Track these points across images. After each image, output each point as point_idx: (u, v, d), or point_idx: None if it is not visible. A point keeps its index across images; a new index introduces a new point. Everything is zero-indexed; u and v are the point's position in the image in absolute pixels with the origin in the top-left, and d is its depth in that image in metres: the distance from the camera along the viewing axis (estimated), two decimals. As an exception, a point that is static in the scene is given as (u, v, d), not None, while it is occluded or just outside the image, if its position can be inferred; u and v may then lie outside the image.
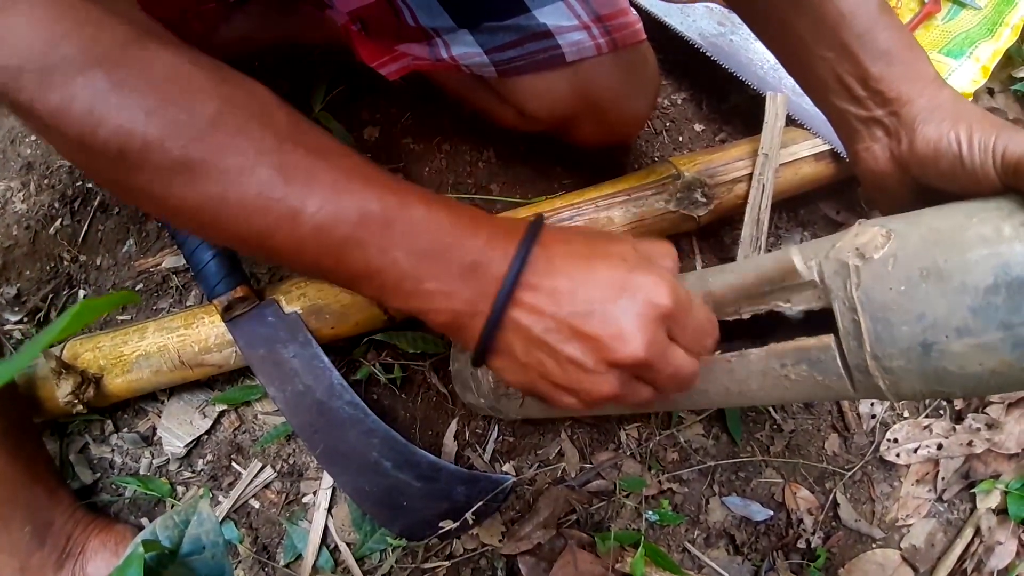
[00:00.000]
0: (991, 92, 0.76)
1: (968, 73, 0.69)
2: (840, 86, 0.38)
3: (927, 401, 0.65)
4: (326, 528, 0.59)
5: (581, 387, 0.30)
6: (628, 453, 0.61)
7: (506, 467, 0.61)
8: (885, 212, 0.39)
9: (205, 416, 0.62)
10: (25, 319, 0.67)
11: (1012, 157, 0.30)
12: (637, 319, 0.29)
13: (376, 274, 0.30)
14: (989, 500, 0.62)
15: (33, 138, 0.74)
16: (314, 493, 0.60)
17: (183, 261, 0.68)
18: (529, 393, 0.32)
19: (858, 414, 0.64)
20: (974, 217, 0.29)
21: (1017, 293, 0.27)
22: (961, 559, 0.61)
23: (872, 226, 0.32)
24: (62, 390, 0.56)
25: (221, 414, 0.63)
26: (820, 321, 0.32)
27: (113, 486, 0.61)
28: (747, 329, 0.36)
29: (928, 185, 0.35)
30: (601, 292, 0.29)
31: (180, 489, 0.61)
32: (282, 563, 0.58)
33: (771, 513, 0.60)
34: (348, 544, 0.58)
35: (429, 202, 0.31)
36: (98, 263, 0.69)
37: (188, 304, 0.66)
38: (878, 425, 0.63)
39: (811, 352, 0.33)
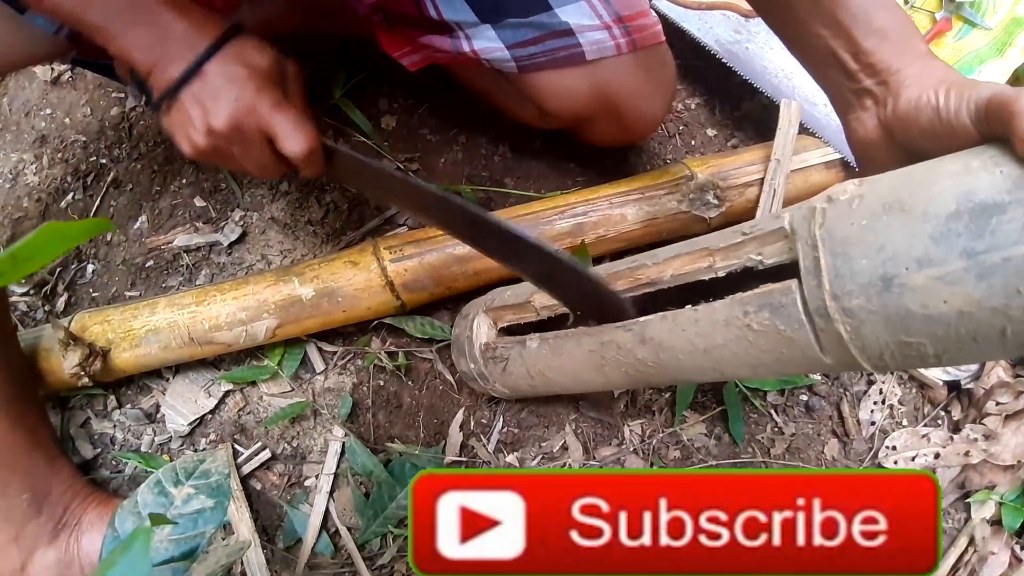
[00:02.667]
0: (997, 112, 0.78)
1: (976, 92, 0.71)
2: (834, 60, 0.39)
3: (925, 409, 0.66)
4: (327, 512, 0.59)
5: (190, 137, 0.44)
6: (631, 449, 0.61)
7: (510, 458, 0.61)
8: None
9: (210, 395, 0.62)
10: (32, 291, 0.67)
11: (982, 100, 0.30)
12: (230, 107, 0.42)
13: (82, 23, 0.41)
14: (984, 511, 0.63)
15: (48, 111, 0.74)
16: (316, 476, 0.60)
17: (195, 239, 0.68)
18: (169, 133, 0.45)
19: (858, 420, 0.64)
20: (944, 160, 0.29)
21: (979, 218, 0.25)
22: (955, 568, 0.61)
23: (848, 182, 0.31)
24: (68, 361, 0.56)
25: (226, 394, 0.63)
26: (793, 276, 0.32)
27: (113, 462, 0.61)
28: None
29: (913, 149, 0.36)
30: (225, 93, 0.42)
31: (181, 467, 0.61)
32: (281, 546, 0.58)
33: (770, 515, 0.60)
34: (349, 529, 0.58)
35: None
36: (108, 238, 0.69)
37: (198, 283, 0.66)
38: (877, 432, 0.64)
39: (773, 296, 0.32)
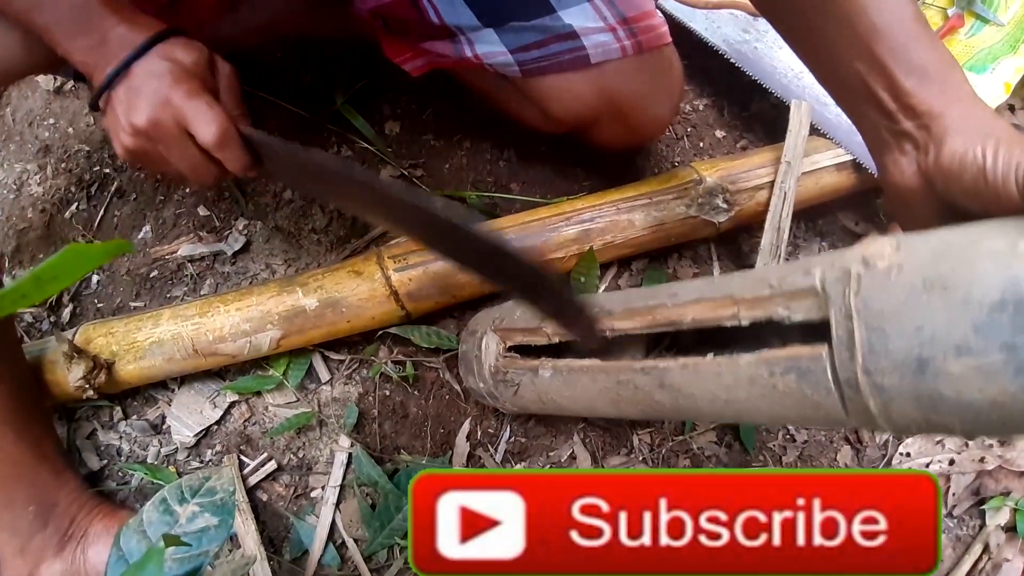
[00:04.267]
0: (1012, 108, 0.76)
1: (990, 89, 0.69)
2: (871, 98, 0.37)
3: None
4: (333, 523, 0.58)
5: (119, 138, 0.44)
6: (640, 458, 0.61)
7: (517, 468, 0.60)
8: (906, 229, 0.38)
9: (216, 406, 0.62)
10: (37, 303, 0.67)
11: None
12: (148, 102, 0.42)
13: (32, 26, 0.43)
14: (999, 517, 0.62)
15: (51, 121, 0.74)
16: (322, 488, 0.60)
17: (199, 249, 0.67)
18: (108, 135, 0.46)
19: (871, 427, 0.63)
20: (990, 232, 0.27)
21: None
22: (969, 575, 0.61)
23: (884, 238, 0.30)
24: (73, 374, 0.55)
25: (232, 405, 0.62)
26: (821, 336, 0.31)
27: (120, 473, 0.61)
28: (747, 344, 0.34)
29: (952, 203, 0.34)
30: (146, 89, 0.42)
31: (188, 479, 0.61)
32: (288, 558, 0.57)
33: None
34: (356, 540, 0.58)
35: None
36: (112, 248, 0.69)
37: (203, 293, 0.66)
38: (891, 439, 0.63)
39: (801, 361, 0.31)
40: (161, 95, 0.42)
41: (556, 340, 0.46)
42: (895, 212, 0.40)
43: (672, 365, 0.37)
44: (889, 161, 0.37)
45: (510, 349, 0.50)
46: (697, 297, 0.37)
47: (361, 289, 0.57)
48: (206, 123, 0.42)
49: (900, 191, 0.37)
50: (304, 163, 0.42)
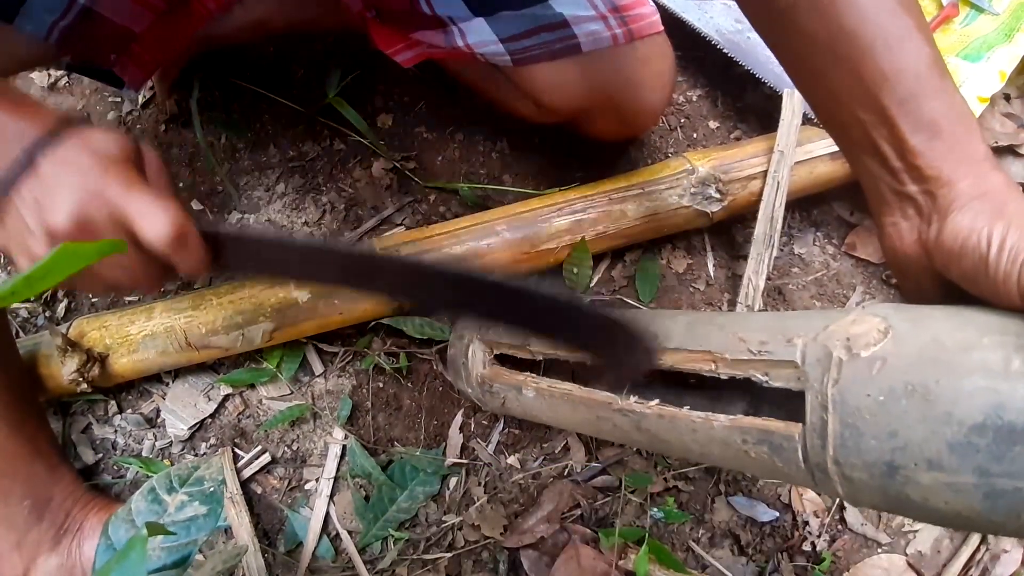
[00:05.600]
0: (1007, 98, 0.76)
1: (985, 78, 0.69)
2: (874, 151, 0.33)
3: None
4: (328, 515, 0.58)
5: (29, 249, 0.34)
6: (634, 450, 0.60)
7: (511, 460, 0.60)
8: (904, 294, 0.36)
9: (210, 399, 0.62)
10: (32, 298, 0.67)
11: None
12: (71, 198, 0.33)
13: None
14: (997, 507, 0.61)
15: (45, 117, 0.74)
16: (316, 480, 0.60)
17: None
18: (3, 251, 0.36)
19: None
20: (986, 337, 0.26)
21: (1004, 441, 0.24)
22: (967, 566, 0.60)
23: (874, 316, 0.29)
24: (67, 368, 0.55)
25: (226, 398, 0.62)
26: (798, 401, 0.30)
27: (115, 467, 0.61)
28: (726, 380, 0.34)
29: (950, 279, 0.31)
30: (65, 184, 0.33)
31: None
32: (282, 550, 0.57)
33: (777, 514, 0.59)
34: (350, 532, 0.58)
35: None
36: (106, 243, 0.69)
37: (196, 286, 0.66)
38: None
39: (775, 436, 0.30)
40: (88, 189, 0.33)
41: (540, 358, 0.46)
42: (892, 272, 0.37)
43: (649, 412, 0.37)
44: (888, 222, 0.35)
45: (497, 356, 0.50)
46: (676, 346, 0.36)
47: (353, 281, 0.57)
48: (155, 219, 0.33)
49: (898, 258, 0.34)
50: (279, 246, 0.37)
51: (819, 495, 0.60)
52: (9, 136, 0.33)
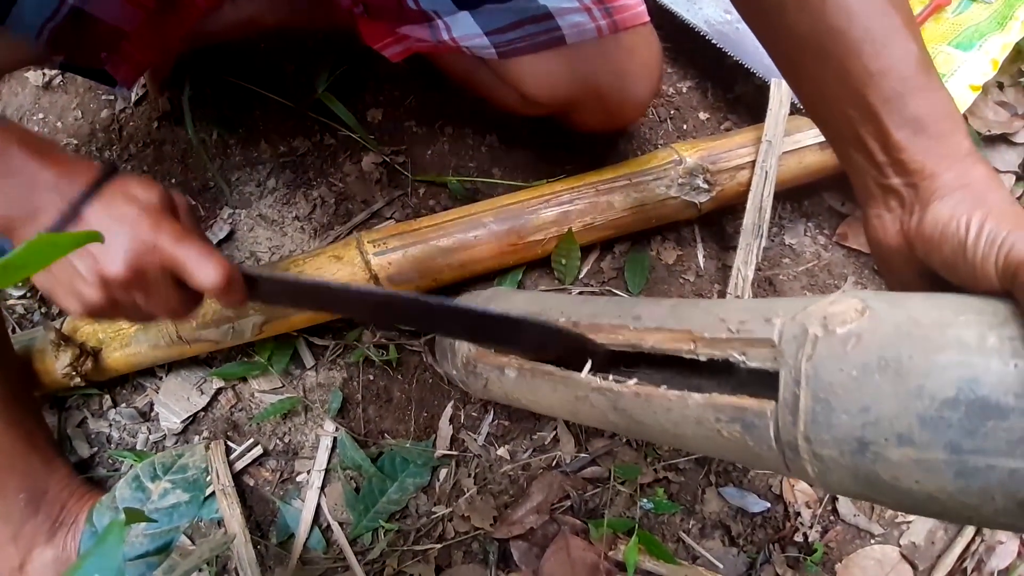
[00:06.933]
0: (1000, 86, 0.75)
1: (977, 66, 0.68)
2: (860, 146, 0.34)
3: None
4: (319, 507, 0.59)
5: (79, 293, 0.38)
6: (624, 440, 0.60)
7: (501, 451, 0.60)
8: (887, 283, 0.36)
9: (202, 393, 0.63)
10: (28, 294, 0.68)
11: (1015, 259, 0.26)
12: (125, 248, 0.37)
13: None
14: (992, 498, 0.61)
15: (41, 115, 0.75)
16: (308, 472, 0.60)
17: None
18: (47, 294, 0.40)
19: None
20: (962, 316, 0.25)
21: (976, 416, 0.23)
22: (961, 558, 0.60)
23: (853, 297, 0.29)
24: (60, 362, 0.56)
25: (218, 391, 0.63)
26: (774, 382, 0.30)
27: (110, 460, 0.62)
28: (705, 365, 0.34)
29: (932, 268, 0.32)
30: (119, 235, 0.37)
31: (175, 465, 0.61)
32: (274, 542, 0.58)
33: (768, 505, 0.59)
34: (341, 524, 0.58)
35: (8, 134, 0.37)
36: (101, 240, 0.70)
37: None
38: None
39: (747, 414, 0.30)
40: (143, 241, 0.37)
41: None
42: (876, 264, 0.38)
43: (626, 391, 0.37)
44: (873, 214, 0.35)
45: None
46: (658, 326, 0.37)
47: (341, 274, 0.57)
48: (209, 270, 0.38)
49: (882, 250, 0.35)
50: (303, 288, 0.44)
51: (811, 486, 0.59)
52: (53, 190, 0.37)
